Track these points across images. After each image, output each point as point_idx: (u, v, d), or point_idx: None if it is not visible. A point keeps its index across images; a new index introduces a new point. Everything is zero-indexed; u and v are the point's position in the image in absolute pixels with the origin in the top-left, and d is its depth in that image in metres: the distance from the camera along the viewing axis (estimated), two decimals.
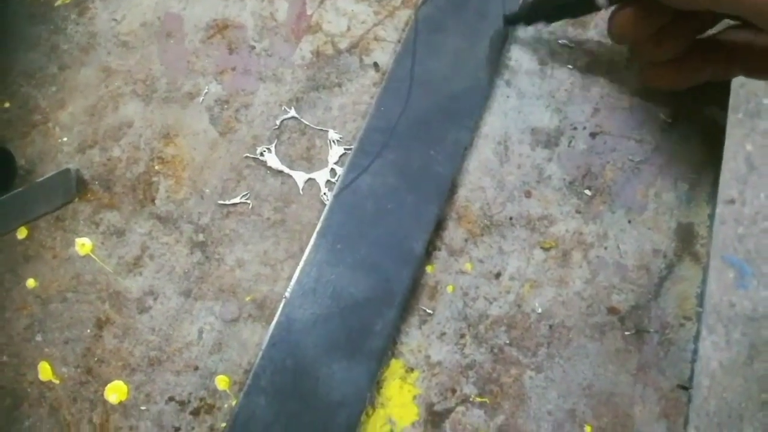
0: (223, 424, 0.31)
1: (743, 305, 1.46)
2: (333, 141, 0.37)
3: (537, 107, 0.38)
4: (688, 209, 0.36)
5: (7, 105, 0.36)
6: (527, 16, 0.37)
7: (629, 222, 0.36)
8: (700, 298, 0.35)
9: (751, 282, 1.48)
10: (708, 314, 1.43)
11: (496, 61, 0.38)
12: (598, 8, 0.34)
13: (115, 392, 0.32)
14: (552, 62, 0.38)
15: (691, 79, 0.36)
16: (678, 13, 0.32)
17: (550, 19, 0.37)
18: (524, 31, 0.39)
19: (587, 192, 0.36)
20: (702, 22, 0.34)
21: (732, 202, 1.50)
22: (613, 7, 0.33)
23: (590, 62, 0.38)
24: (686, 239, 0.36)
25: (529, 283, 0.35)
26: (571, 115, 0.38)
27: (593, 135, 0.38)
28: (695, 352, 0.34)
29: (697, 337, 0.34)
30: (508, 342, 0.34)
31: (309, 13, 0.39)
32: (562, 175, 0.37)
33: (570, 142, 0.37)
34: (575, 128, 0.38)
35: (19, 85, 0.36)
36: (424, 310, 0.34)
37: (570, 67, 0.38)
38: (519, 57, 0.39)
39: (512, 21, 0.38)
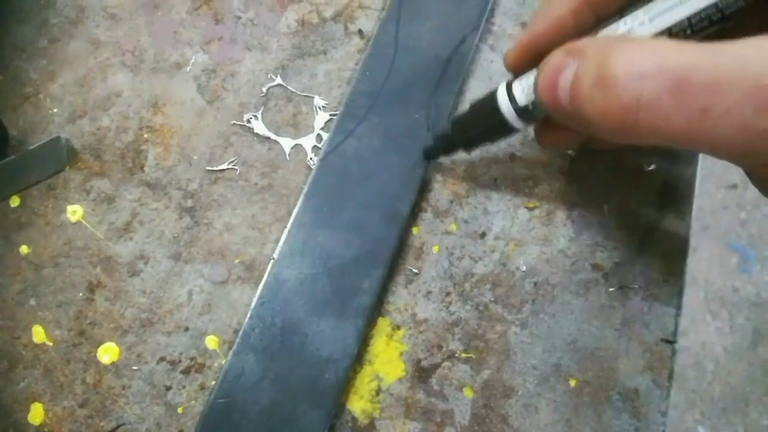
0: (213, 382, 0.32)
1: (747, 290, 1.46)
2: (319, 107, 0.37)
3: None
4: (671, 167, 0.37)
5: None
6: (444, 149, 0.35)
7: (612, 181, 0.36)
8: (684, 254, 0.35)
9: (755, 267, 1.48)
10: (711, 300, 1.43)
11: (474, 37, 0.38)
12: (516, 130, 0.31)
13: (108, 353, 0.33)
14: None
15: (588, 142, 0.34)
16: None
17: (467, 147, 0.34)
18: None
19: (570, 153, 0.37)
20: None
21: (734, 186, 1.50)
22: (531, 127, 0.32)
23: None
24: (670, 197, 0.36)
25: (514, 242, 0.35)
26: None
27: None
28: (679, 306, 0.34)
29: (680, 292, 0.35)
30: (493, 299, 0.34)
31: None
32: None
33: None
34: None
35: (10, 58, 0.37)
36: (411, 270, 0.35)
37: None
38: (503, 22, 0.39)
39: (429, 155, 0.35)
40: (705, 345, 1.43)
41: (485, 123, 0.32)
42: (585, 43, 0.25)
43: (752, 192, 1.47)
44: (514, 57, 0.31)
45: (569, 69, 0.25)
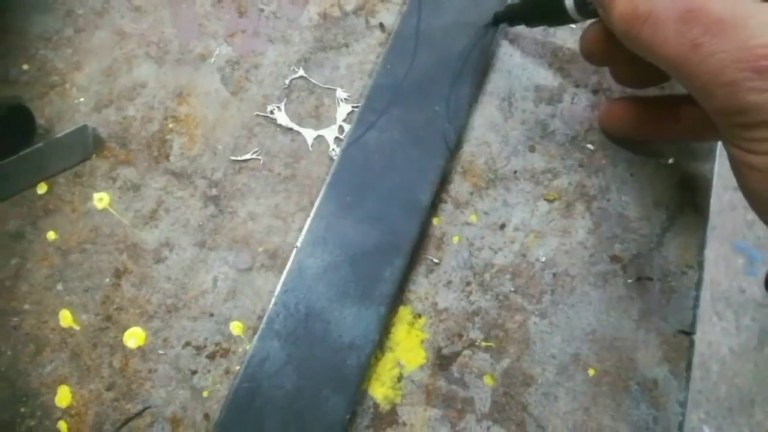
0: (238, 367, 0.33)
1: (753, 291, 1.46)
2: (340, 99, 0.38)
3: (540, 65, 0.39)
4: (689, 162, 0.37)
5: (25, 67, 0.37)
6: (510, 19, 0.38)
7: (631, 175, 0.37)
8: (702, 247, 0.36)
9: (761, 268, 1.48)
10: (717, 301, 1.43)
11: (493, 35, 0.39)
12: (573, 21, 0.34)
13: (134, 337, 0.33)
14: None
15: (649, 130, 0.36)
16: None
17: (529, 24, 0.37)
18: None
19: (590, 146, 0.37)
20: None
21: None
22: (588, 22, 0.33)
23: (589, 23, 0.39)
24: (688, 191, 0.37)
25: (534, 233, 0.36)
26: (574, 73, 0.39)
27: (595, 92, 0.38)
28: (697, 298, 0.35)
29: (699, 284, 0.35)
30: (512, 289, 0.35)
31: None
32: (566, 131, 0.37)
33: (573, 98, 0.38)
34: (578, 85, 0.38)
35: (36, 48, 0.38)
36: (431, 260, 0.35)
37: (573, 26, 0.39)
38: None
39: (496, 20, 0.38)
40: (711, 345, 1.43)
41: (549, 5, 0.34)
42: None
43: None
44: None
45: None
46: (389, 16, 0.39)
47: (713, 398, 1.39)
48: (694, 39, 0.25)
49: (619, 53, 0.31)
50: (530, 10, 0.36)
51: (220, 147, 0.36)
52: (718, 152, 0.38)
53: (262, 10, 0.39)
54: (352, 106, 0.37)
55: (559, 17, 0.34)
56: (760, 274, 1.47)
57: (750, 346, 1.42)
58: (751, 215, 1.45)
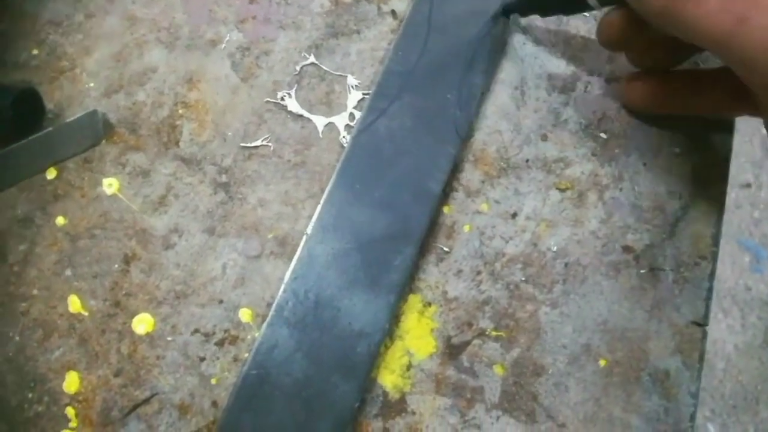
0: (246, 354, 0.32)
1: (759, 289, 1.45)
2: (351, 86, 0.37)
3: (553, 54, 0.38)
4: (703, 151, 0.37)
5: (35, 52, 0.37)
6: (522, 8, 0.37)
7: (644, 165, 0.36)
8: (715, 237, 0.35)
9: (767, 265, 1.47)
10: (723, 298, 1.42)
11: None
12: (591, 8, 0.33)
13: (142, 323, 0.33)
14: None
15: (673, 104, 0.35)
16: None
17: (544, 13, 0.37)
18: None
19: (603, 135, 0.37)
20: None
21: (748, 186, 1.49)
22: (605, 9, 0.33)
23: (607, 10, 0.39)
24: (701, 181, 0.36)
25: (545, 222, 0.35)
26: (587, 62, 0.38)
27: (608, 81, 0.38)
28: (710, 289, 0.34)
29: (712, 276, 0.35)
30: (523, 279, 0.34)
31: None
32: (578, 119, 0.37)
33: (586, 87, 0.38)
34: (591, 74, 0.38)
35: (46, 33, 0.37)
36: (442, 249, 0.35)
37: (586, 15, 0.39)
38: None
39: (508, 11, 0.37)
40: (716, 343, 1.42)
41: None
42: None
43: (765, 191, 1.46)
44: None
45: None
46: (401, 2, 0.39)
47: (718, 396, 1.38)
48: (740, 13, 0.24)
49: (640, 38, 0.31)
50: None
51: (230, 133, 0.36)
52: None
53: None
54: (363, 93, 0.37)
55: (577, 5, 0.33)
56: (766, 271, 1.47)
57: (756, 343, 1.41)
58: (758, 213, 1.45)
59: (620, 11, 0.31)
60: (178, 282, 0.34)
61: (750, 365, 1.40)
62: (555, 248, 0.35)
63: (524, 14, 0.38)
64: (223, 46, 0.38)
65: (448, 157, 0.35)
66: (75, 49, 0.37)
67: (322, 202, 0.34)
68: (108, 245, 0.34)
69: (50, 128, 0.35)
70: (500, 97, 0.37)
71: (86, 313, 0.33)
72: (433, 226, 0.35)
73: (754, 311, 1.44)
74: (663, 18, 0.27)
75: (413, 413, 0.32)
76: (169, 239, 0.34)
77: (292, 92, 0.37)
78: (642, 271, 0.35)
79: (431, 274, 0.34)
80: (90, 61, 0.37)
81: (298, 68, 0.37)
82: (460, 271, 0.34)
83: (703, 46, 0.27)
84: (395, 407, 0.32)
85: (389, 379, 0.33)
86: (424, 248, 0.34)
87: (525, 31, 0.39)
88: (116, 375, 0.32)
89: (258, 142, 0.36)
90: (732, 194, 1.48)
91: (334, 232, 0.34)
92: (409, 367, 0.33)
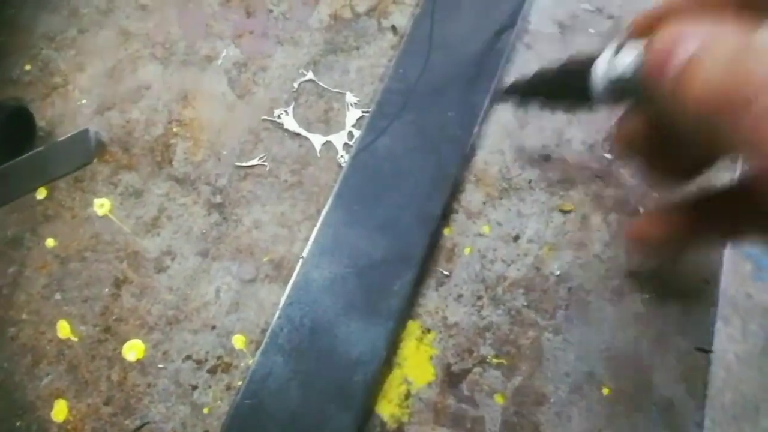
0: (240, 382, 0.31)
1: (761, 297, 1.43)
2: (350, 104, 0.36)
3: None
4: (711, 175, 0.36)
5: (28, 67, 0.36)
6: (519, 99, 0.30)
7: (650, 186, 0.36)
8: (719, 260, 0.35)
9: None
10: (724, 306, 1.41)
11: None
12: (592, 101, 0.25)
13: (133, 350, 0.32)
14: (573, 26, 0.38)
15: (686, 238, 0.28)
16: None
17: (543, 107, 0.29)
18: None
19: (607, 156, 0.36)
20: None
21: None
22: (609, 104, 0.24)
23: (612, 27, 0.38)
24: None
25: (548, 245, 0.34)
26: None
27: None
28: (714, 315, 0.34)
29: (716, 301, 0.34)
30: (525, 304, 0.33)
31: None
32: (583, 139, 0.36)
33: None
34: None
35: (39, 48, 0.37)
36: (442, 272, 0.34)
37: (591, 31, 0.38)
38: (539, 21, 0.38)
39: (500, 98, 0.33)
40: (716, 351, 1.41)
41: (569, 83, 0.26)
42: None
43: None
44: (639, 22, 0.23)
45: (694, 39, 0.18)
46: (402, 18, 0.38)
47: (718, 405, 1.37)
48: None
49: (663, 147, 0.24)
50: (543, 89, 0.28)
51: (225, 152, 0.35)
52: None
53: (271, 11, 0.38)
54: (363, 111, 0.36)
55: (580, 102, 0.26)
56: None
57: (756, 352, 1.40)
58: None
59: (641, 111, 0.24)
60: (171, 307, 0.33)
61: (751, 375, 1.39)
62: (558, 272, 0.34)
63: (520, 105, 0.31)
64: (220, 62, 0.37)
65: (449, 177, 0.35)
66: (68, 65, 0.36)
67: (318, 224, 0.33)
68: (99, 268, 0.33)
69: (41, 148, 0.34)
70: (503, 115, 0.37)
71: (76, 339, 0.32)
72: (433, 249, 0.34)
73: (755, 319, 1.42)
74: (700, 131, 0.19)
75: None
76: (162, 262, 0.33)
77: (290, 110, 0.36)
78: (646, 296, 0.34)
79: (431, 298, 0.34)
80: (83, 77, 0.36)
81: (295, 85, 0.37)
82: (460, 296, 0.34)
83: (754, 165, 0.18)
84: None
85: (387, 408, 0.32)
86: (423, 272, 0.34)
87: (529, 47, 0.38)
88: (106, 403, 0.31)
89: (254, 162, 0.35)
90: None
91: (331, 255, 0.33)
92: (407, 396, 0.32)
